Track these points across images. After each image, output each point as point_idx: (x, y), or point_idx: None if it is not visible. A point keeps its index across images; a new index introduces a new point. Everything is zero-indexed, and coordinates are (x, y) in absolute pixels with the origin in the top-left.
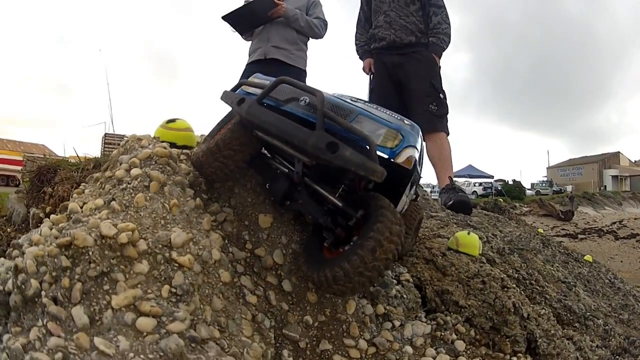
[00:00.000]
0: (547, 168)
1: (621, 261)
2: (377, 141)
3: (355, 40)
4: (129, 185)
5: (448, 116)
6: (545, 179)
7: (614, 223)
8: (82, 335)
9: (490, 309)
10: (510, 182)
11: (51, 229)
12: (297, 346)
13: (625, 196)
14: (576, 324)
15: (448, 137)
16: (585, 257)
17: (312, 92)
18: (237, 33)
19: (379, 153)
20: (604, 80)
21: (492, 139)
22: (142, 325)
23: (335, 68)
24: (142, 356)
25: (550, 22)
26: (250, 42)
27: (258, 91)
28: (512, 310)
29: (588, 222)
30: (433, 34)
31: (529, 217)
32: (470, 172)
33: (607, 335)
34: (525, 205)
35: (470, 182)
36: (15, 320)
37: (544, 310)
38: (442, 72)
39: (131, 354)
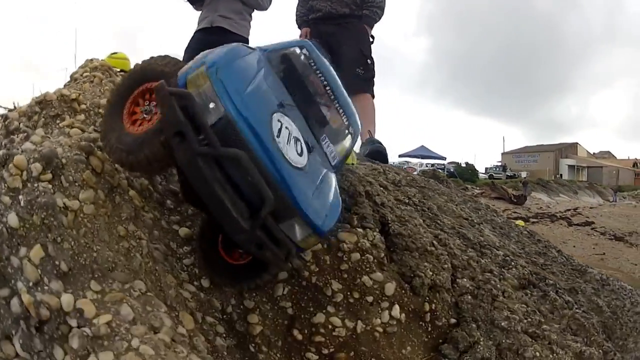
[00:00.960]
0: (501, 153)
1: (574, 246)
2: (297, 239)
3: (296, 11)
4: None
5: (374, 80)
6: (499, 163)
7: (568, 210)
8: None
9: (345, 194)
10: (463, 165)
11: None
12: None
13: (582, 186)
14: (468, 250)
15: (373, 99)
16: (517, 222)
17: (263, 192)
18: (188, 3)
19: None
20: (566, 74)
21: (447, 123)
22: None
23: (276, 38)
24: None
25: (515, 13)
26: (200, 11)
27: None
28: (364, 194)
29: (541, 208)
30: (367, 7)
31: (481, 199)
32: (423, 152)
33: (506, 264)
34: (478, 188)
35: (423, 163)
36: None
37: (415, 219)
38: (375, 45)
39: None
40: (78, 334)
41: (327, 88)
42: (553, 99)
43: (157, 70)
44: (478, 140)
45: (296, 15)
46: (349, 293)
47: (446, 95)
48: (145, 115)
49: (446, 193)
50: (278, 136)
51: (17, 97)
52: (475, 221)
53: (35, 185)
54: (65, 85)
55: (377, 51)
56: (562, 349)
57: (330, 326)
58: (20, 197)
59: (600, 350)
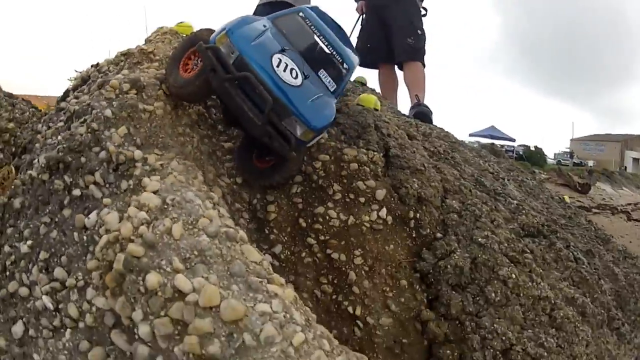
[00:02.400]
0: (570, 140)
1: (630, 242)
2: (297, 134)
3: None
4: None
5: (425, 49)
6: (567, 150)
7: (630, 204)
8: None
9: (358, 125)
10: (533, 148)
11: None
12: None
13: None
14: (482, 193)
15: (424, 68)
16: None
17: (264, 96)
18: None
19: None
20: (635, 61)
21: (517, 102)
22: None
23: (333, 9)
24: None
25: None
26: None
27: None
28: (373, 126)
29: (604, 199)
30: None
31: (546, 184)
32: (492, 132)
33: (517, 211)
34: (545, 173)
35: (493, 143)
36: None
37: (419, 151)
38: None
39: None
40: (140, 170)
41: (321, 37)
42: (621, 86)
43: (200, 37)
44: (547, 123)
45: None
46: (346, 194)
47: (516, 75)
48: (193, 66)
49: (483, 155)
50: (277, 66)
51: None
52: (500, 176)
53: (125, 96)
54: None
55: (449, 26)
56: (549, 285)
57: (327, 217)
58: (114, 102)
59: (603, 311)
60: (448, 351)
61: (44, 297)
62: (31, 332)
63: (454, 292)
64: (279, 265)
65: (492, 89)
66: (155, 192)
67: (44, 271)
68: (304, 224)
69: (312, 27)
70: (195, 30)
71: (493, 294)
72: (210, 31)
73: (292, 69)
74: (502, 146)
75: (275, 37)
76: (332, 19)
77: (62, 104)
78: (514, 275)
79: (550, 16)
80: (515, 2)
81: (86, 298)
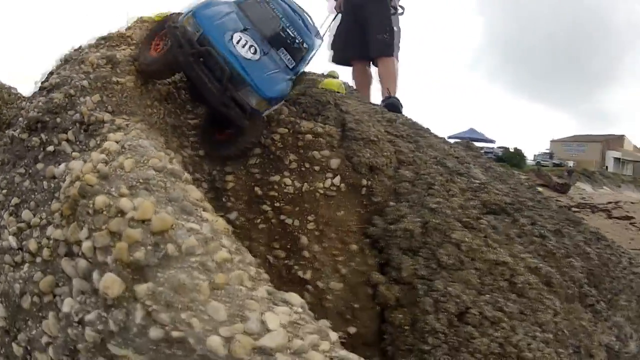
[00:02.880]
0: (550, 141)
1: (611, 239)
2: (252, 104)
3: None
4: None
5: (399, 45)
6: (547, 151)
7: (610, 203)
8: None
9: (318, 104)
10: (512, 150)
11: None
12: None
13: (626, 179)
14: (439, 170)
15: (397, 63)
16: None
17: (221, 67)
18: None
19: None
20: (614, 64)
21: (497, 106)
22: None
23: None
24: None
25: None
26: None
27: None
28: (333, 104)
29: (584, 198)
30: None
31: None
32: (472, 135)
33: (479, 189)
34: (523, 174)
35: None
36: None
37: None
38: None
39: None
40: (108, 128)
41: (283, 19)
42: (602, 88)
43: (169, 20)
44: (528, 126)
45: None
46: (301, 163)
47: (497, 78)
48: (163, 47)
49: (452, 145)
50: (237, 43)
51: None
52: (466, 160)
53: (100, 70)
54: None
55: (429, 28)
56: (509, 254)
57: (283, 184)
58: (91, 75)
59: (573, 286)
60: (400, 315)
61: (10, 237)
62: None
63: (405, 256)
64: (234, 231)
65: (474, 92)
66: (117, 142)
67: (13, 215)
68: (259, 192)
69: (275, 10)
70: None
71: (445, 257)
72: (176, 15)
73: (251, 46)
74: (482, 148)
75: (238, 18)
76: (296, 4)
77: (45, 84)
78: (467, 239)
79: (532, 20)
80: (498, 4)
81: (46, 235)
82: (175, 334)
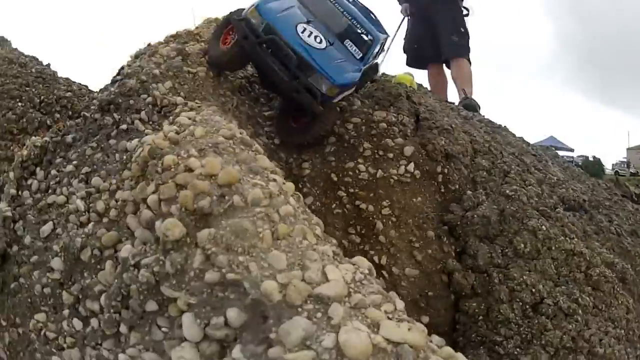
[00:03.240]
0: (627, 149)
1: None
2: (323, 90)
3: None
4: None
5: (470, 46)
6: (624, 159)
7: None
8: None
9: (390, 96)
10: (591, 158)
11: None
12: None
13: None
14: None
15: (470, 64)
16: None
17: (288, 54)
18: None
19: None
20: None
21: (575, 113)
22: None
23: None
24: None
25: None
26: None
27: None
28: (404, 96)
29: None
30: None
31: None
32: (552, 143)
33: (557, 185)
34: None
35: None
36: None
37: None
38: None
39: None
40: (180, 109)
41: (345, 13)
42: None
43: (233, 14)
44: (604, 133)
45: None
46: (375, 150)
47: (572, 84)
48: (231, 40)
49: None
50: (302, 32)
51: None
52: (543, 158)
53: (171, 61)
54: None
55: (501, 36)
56: (583, 244)
57: (357, 171)
58: (162, 65)
59: None
60: (474, 304)
61: (77, 200)
62: (58, 230)
63: (481, 244)
64: None
65: (550, 99)
66: (189, 118)
67: (82, 182)
68: (335, 179)
69: (336, 4)
70: None
71: (522, 245)
72: (240, 10)
73: (316, 36)
74: (562, 157)
75: (301, 11)
76: (357, 1)
77: (117, 77)
78: (544, 227)
79: (603, 22)
80: (566, 8)
81: (115, 197)
82: (230, 276)
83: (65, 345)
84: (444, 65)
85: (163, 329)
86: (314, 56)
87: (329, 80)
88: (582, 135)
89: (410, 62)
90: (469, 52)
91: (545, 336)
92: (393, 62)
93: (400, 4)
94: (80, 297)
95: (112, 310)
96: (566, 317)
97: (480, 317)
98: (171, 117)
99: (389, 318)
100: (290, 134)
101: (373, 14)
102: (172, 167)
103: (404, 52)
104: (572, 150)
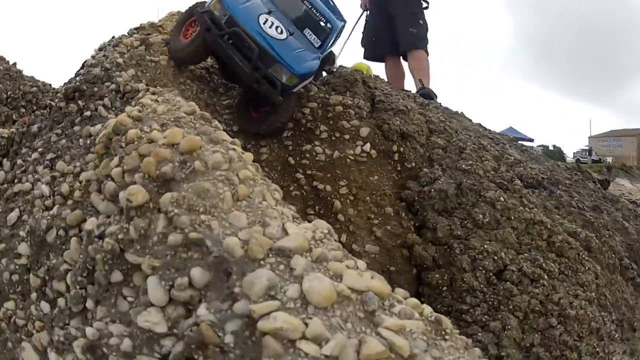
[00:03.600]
0: (588, 137)
1: None
2: (283, 80)
3: None
4: None
5: (428, 38)
6: (586, 147)
7: None
8: None
9: (347, 82)
10: (551, 148)
11: None
12: None
13: None
14: (472, 146)
15: (427, 56)
16: None
17: (250, 46)
18: None
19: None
20: None
21: (536, 104)
22: None
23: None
24: None
25: None
26: None
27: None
28: (360, 81)
29: (623, 194)
30: None
31: None
32: (511, 133)
33: (515, 164)
34: None
35: None
36: None
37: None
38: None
39: None
40: (142, 94)
41: (305, 2)
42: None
43: (196, 6)
44: (566, 123)
45: None
46: (332, 132)
47: (531, 77)
48: (192, 33)
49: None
50: (264, 23)
51: None
52: (501, 141)
53: (135, 50)
54: None
55: (461, 29)
56: (546, 215)
57: (314, 153)
58: (126, 55)
59: (614, 256)
60: (437, 275)
61: (42, 186)
62: (24, 217)
63: (440, 217)
64: None
65: (510, 91)
66: (151, 100)
67: (47, 168)
68: (292, 162)
69: None
70: None
71: (481, 216)
72: (202, 2)
73: (277, 27)
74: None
75: (263, 2)
76: None
77: (81, 70)
78: (502, 199)
79: (562, 14)
80: (526, 3)
81: (78, 179)
82: (193, 235)
83: (34, 331)
84: (402, 58)
85: (129, 298)
86: (275, 47)
87: (289, 70)
88: (543, 126)
89: (368, 56)
90: (427, 43)
91: (512, 301)
92: (351, 56)
93: None
94: (47, 278)
95: (77, 287)
96: (532, 282)
97: (445, 288)
98: (134, 103)
99: (352, 269)
100: (251, 123)
101: (332, 0)
102: (136, 140)
103: (362, 45)
104: (531, 140)
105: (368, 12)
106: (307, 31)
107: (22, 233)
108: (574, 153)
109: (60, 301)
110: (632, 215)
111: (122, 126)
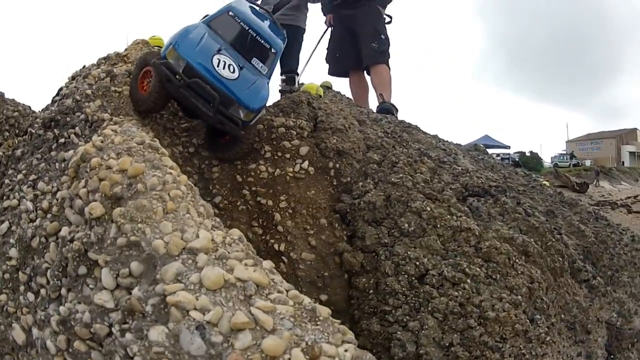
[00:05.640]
0: (566, 142)
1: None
2: (242, 117)
3: (322, 0)
4: None
5: (390, 52)
6: (564, 152)
7: (629, 197)
8: None
9: (293, 104)
10: (528, 154)
11: None
12: None
13: None
14: (416, 157)
15: (389, 69)
16: (543, 182)
17: (211, 94)
18: None
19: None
20: (619, 56)
21: (510, 110)
22: None
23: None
24: None
25: None
26: None
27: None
28: (306, 102)
29: (603, 195)
30: None
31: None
32: (487, 142)
33: (460, 174)
34: (541, 177)
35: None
36: None
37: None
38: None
39: None
40: (107, 123)
41: (250, 30)
42: (612, 81)
43: (151, 56)
44: (542, 128)
45: (321, 3)
46: (275, 152)
47: (506, 82)
48: (147, 85)
49: (447, 144)
50: (218, 66)
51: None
52: (454, 152)
53: (101, 82)
54: None
55: (432, 38)
56: (479, 224)
57: (258, 171)
58: (94, 86)
59: (562, 259)
60: (364, 279)
61: (28, 202)
62: (13, 227)
63: (369, 227)
64: (218, 212)
65: (484, 99)
66: (112, 130)
67: (31, 187)
68: (240, 179)
69: (241, 22)
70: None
71: (406, 225)
72: (155, 51)
73: (229, 65)
74: (498, 155)
75: (212, 39)
76: (260, 9)
77: (56, 97)
78: (429, 208)
79: (532, 19)
80: (497, 7)
81: (56, 197)
82: (133, 238)
83: (21, 315)
84: (365, 72)
85: (90, 285)
86: (231, 88)
87: (246, 108)
88: (520, 133)
89: (333, 72)
90: (389, 58)
91: (432, 303)
92: (316, 72)
93: (324, 14)
94: (32, 275)
95: (55, 279)
96: (453, 285)
97: (371, 291)
98: (99, 130)
99: (244, 265)
100: (218, 150)
101: (272, 18)
102: (97, 167)
103: (326, 62)
104: (508, 147)
105: (332, 28)
106: (254, 60)
107: (12, 240)
108: (551, 158)
109: (42, 291)
110: (591, 217)
111: (87, 155)
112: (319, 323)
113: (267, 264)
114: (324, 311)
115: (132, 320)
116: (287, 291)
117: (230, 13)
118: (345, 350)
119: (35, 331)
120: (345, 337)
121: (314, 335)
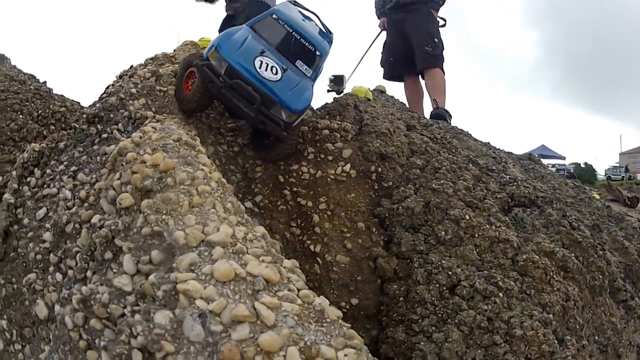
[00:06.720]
0: (619, 154)
1: None
2: (284, 118)
3: (375, 4)
4: None
5: (444, 56)
6: (617, 164)
7: None
8: None
9: (340, 106)
10: (583, 166)
11: None
12: None
13: None
14: (463, 164)
15: (444, 73)
16: (594, 194)
17: (253, 95)
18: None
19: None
20: None
21: (565, 120)
22: None
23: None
24: None
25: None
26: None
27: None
28: (352, 105)
29: None
30: None
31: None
32: (543, 152)
33: (508, 184)
34: (595, 189)
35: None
36: None
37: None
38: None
39: None
40: (149, 120)
41: (293, 33)
42: None
43: (194, 58)
44: (595, 140)
45: (375, 7)
46: (318, 154)
47: (561, 93)
48: (192, 85)
49: (499, 151)
50: (260, 67)
51: None
52: (504, 160)
53: (146, 81)
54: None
55: (484, 49)
56: (514, 233)
57: (300, 172)
58: (139, 85)
59: (602, 277)
60: (395, 286)
61: (67, 191)
62: (50, 213)
63: (406, 233)
64: (259, 211)
65: (540, 108)
66: (152, 127)
67: (71, 178)
68: (282, 180)
69: (285, 25)
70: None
71: (443, 233)
72: (198, 52)
73: (272, 67)
74: (554, 165)
75: (255, 41)
76: (305, 10)
77: (103, 95)
78: (467, 217)
79: (581, 28)
80: (551, 17)
81: (94, 187)
82: (156, 228)
83: (47, 293)
84: (420, 77)
85: (114, 270)
86: (274, 89)
87: (288, 110)
88: (574, 143)
89: (387, 76)
90: (443, 62)
91: (459, 315)
92: (371, 76)
93: (378, 18)
94: (63, 257)
95: (83, 262)
96: (484, 298)
97: (401, 298)
98: (142, 127)
99: (259, 261)
100: (263, 150)
101: (319, 19)
102: (132, 161)
103: (381, 65)
104: (563, 158)
105: (386, 32)
106: (299, 62)
107: (47, 225)
108: (605, 170)
109: (70, 272)
110: (636, 234)
111: (124, 149)
112: (324, 325)
113: (289, 263)
114: (334, 313)
115: (143, 303)
116: (299, 290)
117: (274, 16)
118: (345, 355)
119: (57, 308)
120: (350, 342)
121: (315, 336)
